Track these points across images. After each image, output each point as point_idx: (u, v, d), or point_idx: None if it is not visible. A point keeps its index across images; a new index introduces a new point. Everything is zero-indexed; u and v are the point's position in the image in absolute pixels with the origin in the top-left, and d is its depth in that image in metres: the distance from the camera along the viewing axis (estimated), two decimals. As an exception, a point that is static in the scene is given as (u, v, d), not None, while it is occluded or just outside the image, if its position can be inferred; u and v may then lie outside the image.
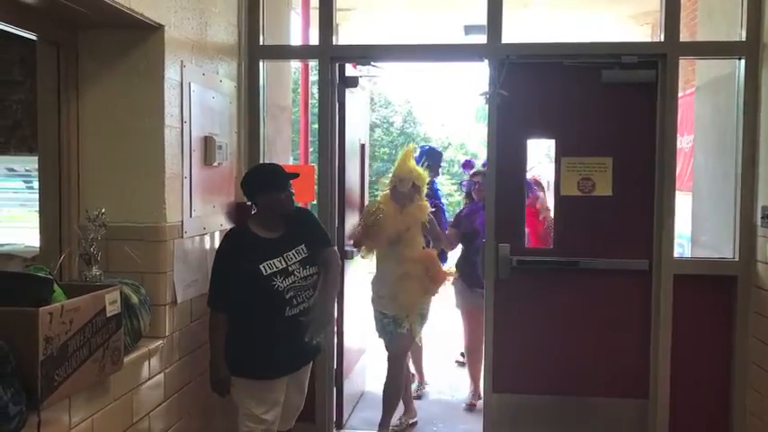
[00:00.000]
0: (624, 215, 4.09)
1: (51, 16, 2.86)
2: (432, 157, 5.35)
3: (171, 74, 3.08)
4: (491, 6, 4.05)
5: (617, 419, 4.17)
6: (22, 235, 5.05)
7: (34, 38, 2.93)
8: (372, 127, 21.67)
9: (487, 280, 4.15)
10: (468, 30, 7.58)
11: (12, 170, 5.30)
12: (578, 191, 4.10)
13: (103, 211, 2.79)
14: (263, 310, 3.10)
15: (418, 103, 25.45)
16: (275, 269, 3.09)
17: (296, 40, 6.09)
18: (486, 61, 4.09)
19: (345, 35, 7.50)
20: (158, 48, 3.01)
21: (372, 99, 23.37)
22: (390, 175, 4.42)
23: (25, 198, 5.43)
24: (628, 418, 4.15)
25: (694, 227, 4.87)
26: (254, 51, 4.13)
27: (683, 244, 5.42)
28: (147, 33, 2.99)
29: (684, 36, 5.27)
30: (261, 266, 3.07)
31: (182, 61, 3.18)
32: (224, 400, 3.20)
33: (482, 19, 4.21)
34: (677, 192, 4.09)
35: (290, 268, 3.13)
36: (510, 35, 4.08)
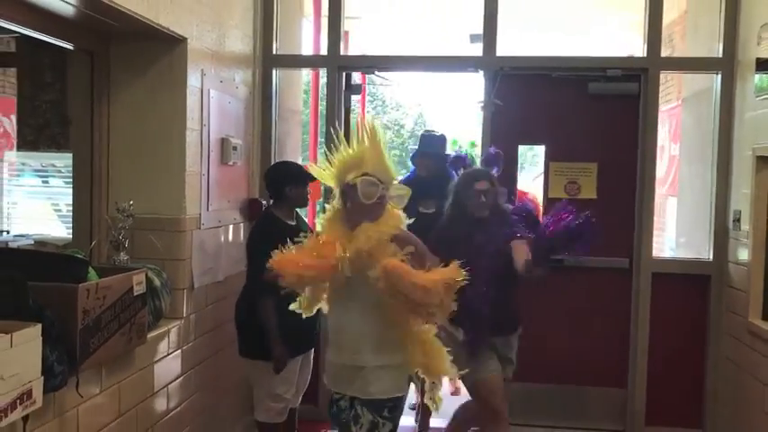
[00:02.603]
0: (607, 217, 4.39)
1: (87, 29, 3.21)
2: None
3: (192, 81, 3.43)
4: (486, 21, 4.38)
5: (598, 406, 4.48)
6: (42, 226, 5.44)
7: (70, 47, 3.29)
8: (383, 129, 21.98)
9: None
10: (474, 38, 7.90)
11: (25, 165, 5.66)
12: (565, 193, 4.42)
13: (132, 202, 3.14)
14: None
15: (429, 106, 25.79)
16: None
17: (308, 46, 6.43)
18: (482, 72, 4.41)
19: (355, 42, 7.85)
20: (182, 58, 3.36)
21: (383, 102, 23.77)
22: (338, 179, 2.71)
23: (43, 192, 5.82)
24: (608, 406, 4.47)
25: (678, 229, 5.18)
26: (267, 60, 4.48)
27: (673, 246, 5.74)
28: (171, 45, 3.34)
29: (680, 49, 5.59)
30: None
31: (202, 70, 3.53)
32: (235, 380, 3.54)
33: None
34: (669, 197, 4.41)
35: None
36: (508, 45, 4.40)
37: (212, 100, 3.64)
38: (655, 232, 4.59)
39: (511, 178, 4.48)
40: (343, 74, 4.57)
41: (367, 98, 22.46)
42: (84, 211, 3.40)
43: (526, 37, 6.22)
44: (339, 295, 2.70)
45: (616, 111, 4.37)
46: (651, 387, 4.36)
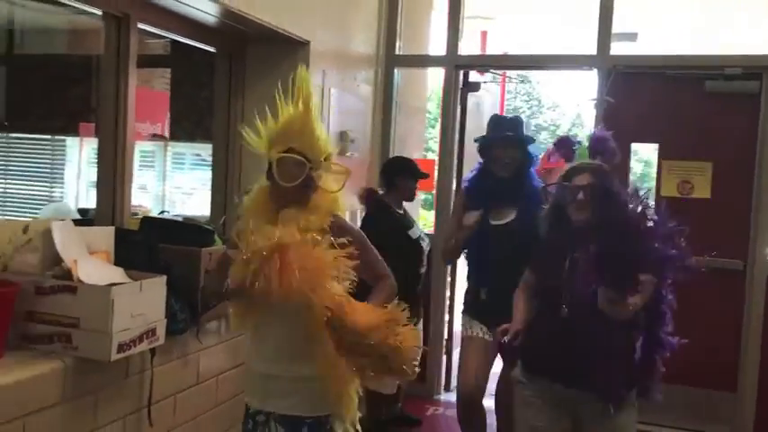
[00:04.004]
0: (721, 217, 4.34)
1: (227, 35, 3.72)
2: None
3: (314, 80, 3.84)
4: (601, 20, 4.46)
5: (706, 409, 4.42)
6: (195, 207, 6.14)
7: (213, 50, 3.82)
8: (539, 130, 21.81)
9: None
10: (615, 37, 7.87)
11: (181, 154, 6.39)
12: (677, 192, 4.40)
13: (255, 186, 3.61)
14: (409, 267, 3.81)
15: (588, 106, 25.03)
16: (417, 235, 3.93)
17: (439, 45, 6.72)
18: (595, 70, 4.50)
19: (491, 42, 8.06)
20: (304, 59, 3.78)
21: (539, 101, 23.53)
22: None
23: (197, 178, 6.52)
24: (716, 409, 4.39)
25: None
26: (390, 60, 4.84)
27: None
28: (296, 48, 3.78)
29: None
30: (408, 233, 3.89)
31: (324, 70, 3.95)
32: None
33: (628, 27, 4.61)
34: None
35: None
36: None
37: (332, 97, 4.05)
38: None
39: (620, 179, 4.52)
40: (461, 72, 4.83)
41: (523, 97, 22.25)
42: (219, 193, 3.92)
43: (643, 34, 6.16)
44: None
45: (734, 109, 4.29)
46: (762, 393, 4.25)
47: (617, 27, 7.10)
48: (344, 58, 4.23)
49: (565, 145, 2.77)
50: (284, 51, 3.80)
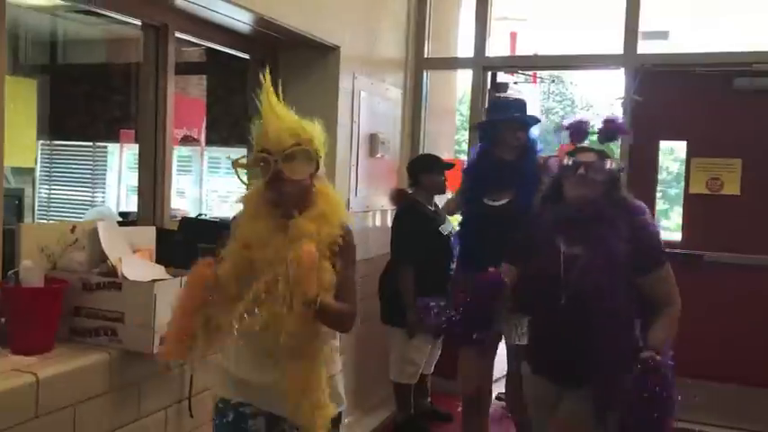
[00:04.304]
0: (751, 214, 4.33)
1: (260, 41, 3.85)
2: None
3: (344, 84, 3.96)
4: (628, 19, 4.49)
5: (756, 408, 4.38)
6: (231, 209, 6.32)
7: (247, 57, 3.95)
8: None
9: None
10: (645, 36, 7.86)
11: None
12: (706, 189, 4.41)
13: (288, 187, 3.73)
14: (440, 263, 3.90)
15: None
16: (448, 231, 4.02)
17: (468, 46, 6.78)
18: (622, 69, 4.53)
19: (522, 42, 8.10)
20: (334, 64, 3.90)
21: (572, 102, 23.36)
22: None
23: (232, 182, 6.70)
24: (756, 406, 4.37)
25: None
26: (419, 63, 4.93)
27: None
28: (326, 53, 3.89)
29: None
30: (439, 229, 3.99)
31: (353, 73, 4.05)
32: (378, 346, 4.03)
33: (659, 26, 4.63)
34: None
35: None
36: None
37: (362, 100, 4.16)
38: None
39: (649, 177, 4.55)
40: (489, 73, 4.90)
41: (556, 98, 22.11)
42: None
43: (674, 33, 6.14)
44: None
45: (763, 106, 4.29)
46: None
47: (648, 26, 7.13)
48: (374, 61, 4.34)
49: (576, 127, 2.60)
50: (315, 56, 3.92)
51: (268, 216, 2.09)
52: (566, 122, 2.64)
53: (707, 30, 7.03)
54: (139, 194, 3.32)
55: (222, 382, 2.26)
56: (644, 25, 7.30)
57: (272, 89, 2.14)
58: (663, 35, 7.84)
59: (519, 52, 7.39)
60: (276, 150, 2.03)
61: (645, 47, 6.71)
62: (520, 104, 3.46)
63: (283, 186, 2.03)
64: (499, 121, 3.42)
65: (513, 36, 8.52)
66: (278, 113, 2.11)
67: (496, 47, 7.53)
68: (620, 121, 2.62)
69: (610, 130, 2.53)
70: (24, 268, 2.28)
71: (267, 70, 2.18)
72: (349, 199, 4.09)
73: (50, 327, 2.32)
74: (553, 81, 15.26)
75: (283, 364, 2.04)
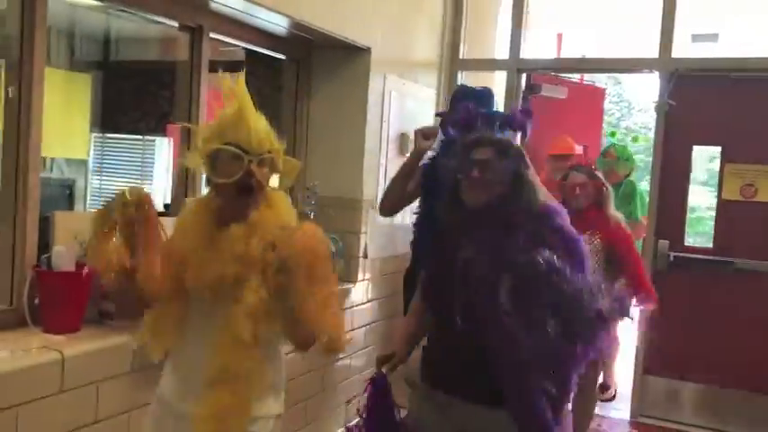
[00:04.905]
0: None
1: (294, 43, 3.98)
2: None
3: (375, 84, 4.06)
4: (664, 23, 4.46)
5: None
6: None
7: (283, 57, 4.09)
8: (629, 132, 21.28)
9: (645, 272, 4.59)
10: (696, 38, 7.75)
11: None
12: (740, 196, 4.36)
13: (317, 183, 3.85)
14: None
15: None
16: None
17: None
18: (657, 73, 4.51)
19: (568, 44, 8.05)
20: (365, 65, 4.00)
21: (629, 104, 22.94)
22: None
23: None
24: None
25: None
26: (453, 64, 4.99)
27: None
28: (357, 54, 4.00)
29: None
30: None
31: (384, 74, 4.15)
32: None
33: (710, 28, 4.60)
34: None
35: None
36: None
37: (393, 100, 4.25)
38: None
39: (682, 182, 4.52)
40: (523, 75, 4.93)
41: (613, 98, 21.77)
42: (285, 190, 4.19)
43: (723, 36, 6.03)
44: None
45: (801, 111, 4.23)
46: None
47: (699, 29, 7.02)
48: (406, 62, 4.42)
49: (464, 116, 2.33)
50: (346, 57, 4.03)
51: (203, 225, 1.89)
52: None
53: (758, 33, 6.87)
54: (173, 187, 3.49)
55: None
56: (695, 28, 7.23)
57: (245, 88, 1.89)
58: (713, 38, 7.70)
59: (565, 54, 7.38)
60: (253, 151, 1.83)
61: (695, 49, 6.64)
62: (482, 95, 2.95)
63: (249, 195, 1.83)
64: (448, 116, 2.89)
65: (560, 37, 8.49)
66: (251, 116, 1.86)
67: (543, 48, 7.54)
68: (520, 115, 2.39)
69: (506, 119, 2.34)
70: (56, 253, 2.45)
71: (230, 79, 1.90)
72: (376, 197, 4.19)
73: (79, 309, 2.49)
74: (618, 83, 15.00)
75: (204, 388, 1.79)
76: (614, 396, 4.78)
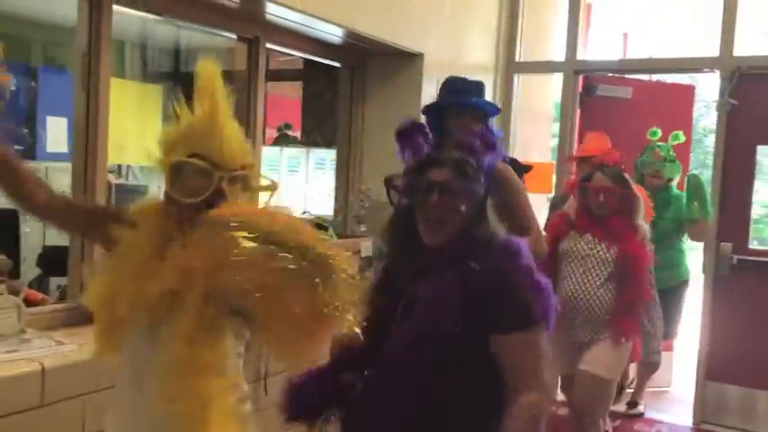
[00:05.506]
0: None
1: (349, 51, 4.10)
2: None
3: (427, 89, 4.13)
4: (725, 21, 4.36)
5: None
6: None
7: (338, 65, 4.22)
8: (707, 132, 20.60)
9: (706, 276, 4.48)
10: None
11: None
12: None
13: (369, 187, 3.95)
14: None
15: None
16: None
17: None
18: (718, 72, 4.41)
19: (633, 46, 7.93)
20: (418, 70, 4.09)
21: (707, 103, 22.14)
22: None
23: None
24: None
25: None
26: (510, 66, 5.01)
27: None
28: (410, 60, 4.09)
29: None
30: None
31: (437, 79, 4.20)
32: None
33: None
34: None
35: None
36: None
37: (446, 104, 4.30)
38: None
39: (745, 182, 4.39)
40: (580, 77, 4.90)
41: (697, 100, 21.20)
42: (341, 194, 4.31)
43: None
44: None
45: None
46: None
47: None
48: (460, 66, 4.47)
49: (405, 133, 1.93)
50: (400, 63, 4.13)
51: (154, 235, 1.62)
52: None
53: None
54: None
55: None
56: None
57: (222, 83, 1.62)
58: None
59: (630, 54, 7.27)
60: (224, 164, 1.57)
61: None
62: (474, 86, 2.70)
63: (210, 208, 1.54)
64: (443, 106, 2.62)
65: (625, 37, 8.36)
66: (226, 124, 1.60)
67: (607, 48, 7.45)
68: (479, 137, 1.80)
69: (468, 141, 1.79)
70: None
71: (206, 63, 1.66)
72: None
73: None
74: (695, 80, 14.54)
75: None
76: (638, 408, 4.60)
